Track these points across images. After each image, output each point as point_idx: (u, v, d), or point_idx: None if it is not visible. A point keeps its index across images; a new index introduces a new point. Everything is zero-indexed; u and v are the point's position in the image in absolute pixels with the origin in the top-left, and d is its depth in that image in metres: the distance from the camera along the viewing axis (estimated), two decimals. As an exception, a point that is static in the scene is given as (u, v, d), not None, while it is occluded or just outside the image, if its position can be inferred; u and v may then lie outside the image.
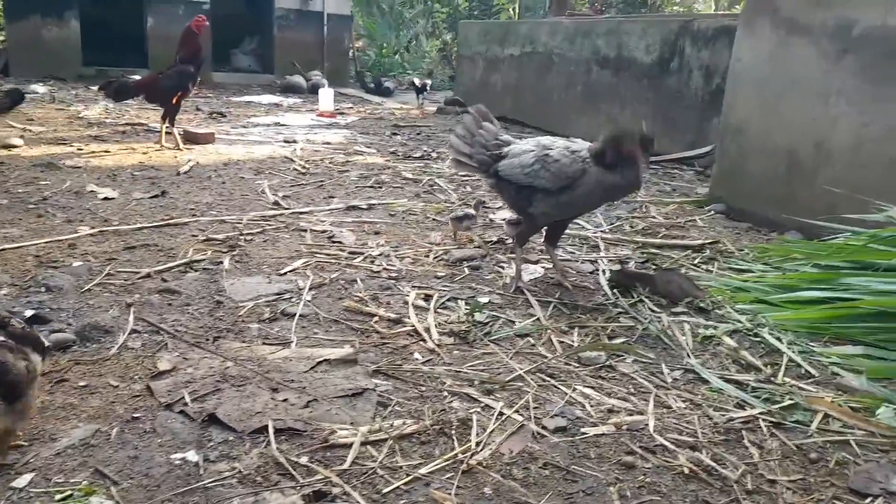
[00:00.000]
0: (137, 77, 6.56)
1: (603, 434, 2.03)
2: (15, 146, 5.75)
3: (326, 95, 9.78)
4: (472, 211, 3.96)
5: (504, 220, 4.14)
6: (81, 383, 2.13)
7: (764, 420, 2.15)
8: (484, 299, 3.04)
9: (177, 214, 4.12)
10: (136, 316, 2.61)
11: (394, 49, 19.25)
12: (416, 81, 11.74)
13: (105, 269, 3.12)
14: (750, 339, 2.78)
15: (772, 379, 2.43)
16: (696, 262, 3.76)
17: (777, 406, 2.23)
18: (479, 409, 2.12)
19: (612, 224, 4.51)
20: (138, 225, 3.83)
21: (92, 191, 4.53)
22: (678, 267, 3.63)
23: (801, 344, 2.74)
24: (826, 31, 4.25)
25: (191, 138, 6.63)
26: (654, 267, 3.64)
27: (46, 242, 3.43)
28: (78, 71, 12.06)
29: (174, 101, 6.17)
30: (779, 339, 2.76)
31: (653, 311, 3.01)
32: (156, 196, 4.52)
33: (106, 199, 4.38)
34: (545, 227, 3.27)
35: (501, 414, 2.09)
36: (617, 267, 3.58)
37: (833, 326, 2.84)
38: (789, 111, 4.50)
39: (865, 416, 2.20)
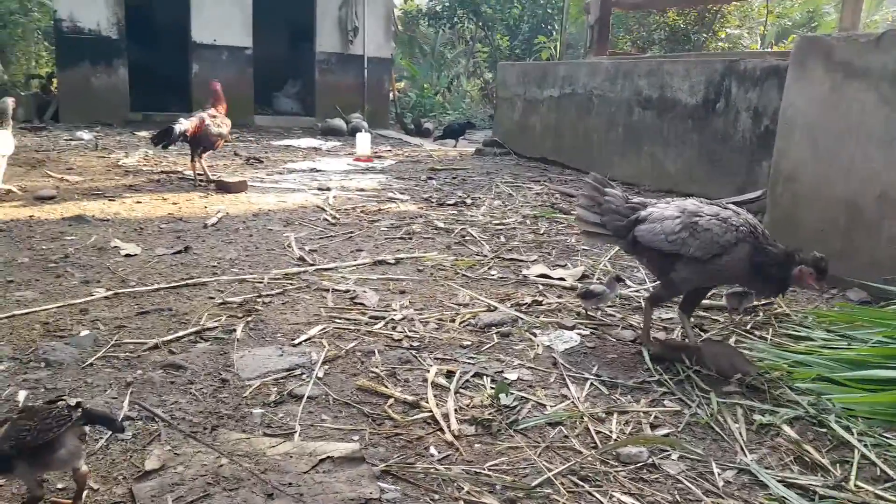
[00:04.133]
0: (185, 122, 6.46)
1: (643, 560, 1.73)
2: (49, 198, 5.75)
3: (363, 140, 9.72)
4: (600, 287, 3.52)
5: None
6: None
7: (836, 543, 1.83)
8: (512, 375, 2.78)
9: (197, 273, 3.98)
10: (132, 399, 2.42)
11: (435, 89, 19.30)
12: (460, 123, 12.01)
13: (112, 338, 2.96)
14: (814, 428, 2.44)
15: (842, 484, 2.10)
16: (747, 327, 3.43)
17: (851, 524, 1.91)
18: (499, 524, 1.85)
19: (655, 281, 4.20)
20: (155, 286, 3.69)
21: (115, 247, 4.43)
22: (728, 334, 3.31)
23: (875, 435, 2.40)
24: (886, 74, 3.93)
25: (223, 187, 6.57)
26: (701, 333, 3.33)
27: (58, 307, 3.31)
28: (125, 116, 12.34)
29: (216, 145, 6.82)
30: (848, 428, 2.42)
31: (701, 390, 2.70)
32: (179, 252, 4.41)
33: (128, 255, 4.27)
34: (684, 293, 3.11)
35: (524, 531, 1.82)
36: (661, 335, 3.28)
37: (912, 415, 2.49)
38: (848, 159, 4.16)
39: (960, 538, 1.86)
